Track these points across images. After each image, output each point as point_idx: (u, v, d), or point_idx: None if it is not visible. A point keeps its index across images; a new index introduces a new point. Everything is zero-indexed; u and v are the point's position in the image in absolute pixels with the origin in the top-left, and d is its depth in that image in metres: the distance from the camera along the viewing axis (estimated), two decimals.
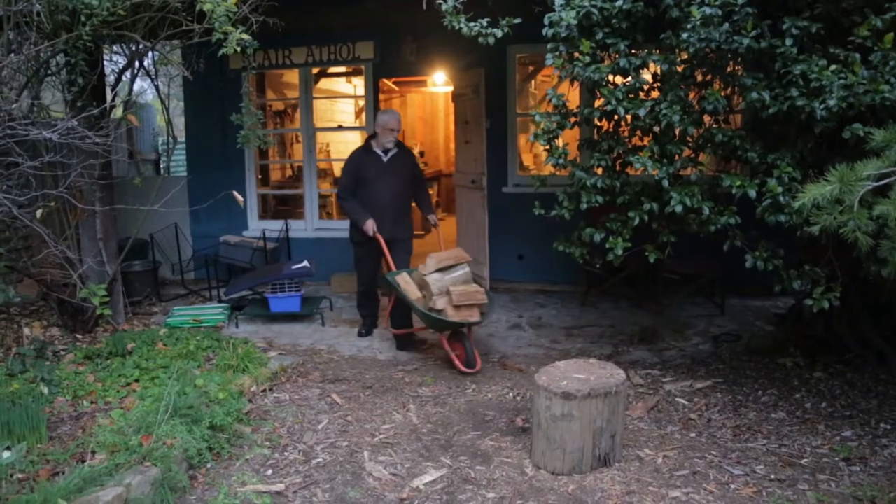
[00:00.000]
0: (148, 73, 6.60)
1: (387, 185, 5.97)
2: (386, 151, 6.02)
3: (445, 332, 5.46)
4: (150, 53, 6.08)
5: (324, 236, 8.34)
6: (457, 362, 5.31)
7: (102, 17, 4.84)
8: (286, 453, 4.11)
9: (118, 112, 6.69)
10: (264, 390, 5.02)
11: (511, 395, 4.92)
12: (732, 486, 3.63)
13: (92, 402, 4.64)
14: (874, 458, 3.89)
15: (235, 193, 5.46)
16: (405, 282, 5.56)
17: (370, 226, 5.81)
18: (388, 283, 5.71)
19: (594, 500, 3.52)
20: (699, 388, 4.93)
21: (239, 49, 4.69)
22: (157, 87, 6.61)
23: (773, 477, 3.71)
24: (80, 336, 6.05)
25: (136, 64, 6.01)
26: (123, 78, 6.18)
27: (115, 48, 6.34)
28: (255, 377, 5.07)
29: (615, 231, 4.54)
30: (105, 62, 6.77)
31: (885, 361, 5.00)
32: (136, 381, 4.93)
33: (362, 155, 6.09)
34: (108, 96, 6.17)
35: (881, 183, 2.84)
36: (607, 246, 4.46)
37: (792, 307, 5.86)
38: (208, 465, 3.88)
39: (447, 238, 7.40)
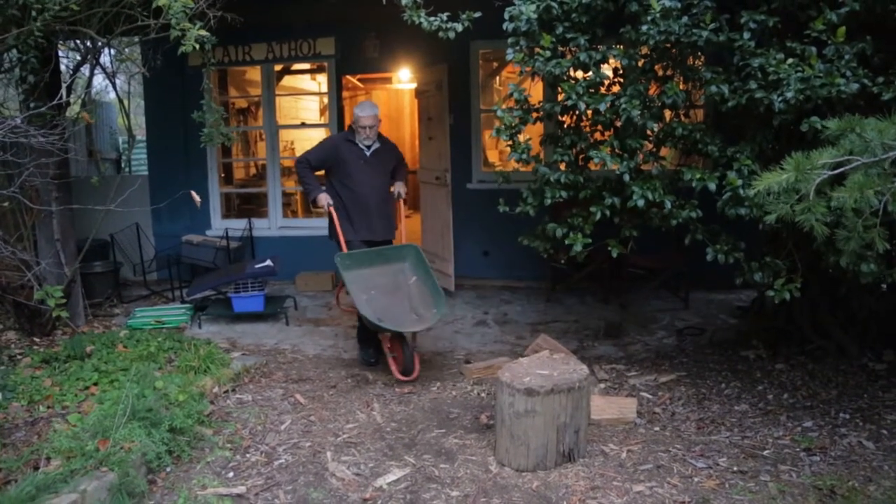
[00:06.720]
0: (105, 71, 6.48)
1: (370, 181, 5.47)
2: (368, 146, 5.50)
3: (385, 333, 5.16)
4: (107, 50, 5.96)
5: (288, 235, 8.26)
6: (393, 367, 5.09)
7: (54, 12, 4.71)
8: (248, 455, 4.05)
9: (75, 110, 6.55)
10: (226, 391, 4.94)
11: (476, 392, 4.90)
12: (696, 479, 3.64)
13: (48, 407, 4.52)
14: (834, 447, 3.93)
15: (193, 193, 5.35)
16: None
17: (323, 199, 5.41)
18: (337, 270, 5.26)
19: (558, 496, 3.51)
20: (663, 381, 4.94)
21: (197, 46, 4.60)
22: (114, 85, 6.51)
23: (735, 469, 3.73)
24: (37, 339, 5.91)
25: (93, 61, 5.89)
26: (81, 75, 6.06)
27: (70, 44, 6.21)
28: (216, 378, 4.99)
29: (576, 227, 4.53)
30: (62, 59, 6.64)
31: (844, 352, 5.06)
32: (95, 384, 4.81)
33: (343, 141, 5.55)
34: (65, 94, 6.04)
35: (837, 172, 2.85)
36: (567, 242, 4.45)
37: (754, 300, 5.91)
38: (168, 469, 3.80)
39: (413, 236, 7.37)
